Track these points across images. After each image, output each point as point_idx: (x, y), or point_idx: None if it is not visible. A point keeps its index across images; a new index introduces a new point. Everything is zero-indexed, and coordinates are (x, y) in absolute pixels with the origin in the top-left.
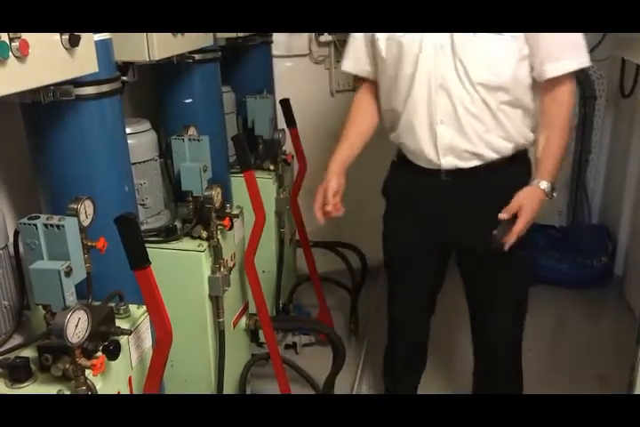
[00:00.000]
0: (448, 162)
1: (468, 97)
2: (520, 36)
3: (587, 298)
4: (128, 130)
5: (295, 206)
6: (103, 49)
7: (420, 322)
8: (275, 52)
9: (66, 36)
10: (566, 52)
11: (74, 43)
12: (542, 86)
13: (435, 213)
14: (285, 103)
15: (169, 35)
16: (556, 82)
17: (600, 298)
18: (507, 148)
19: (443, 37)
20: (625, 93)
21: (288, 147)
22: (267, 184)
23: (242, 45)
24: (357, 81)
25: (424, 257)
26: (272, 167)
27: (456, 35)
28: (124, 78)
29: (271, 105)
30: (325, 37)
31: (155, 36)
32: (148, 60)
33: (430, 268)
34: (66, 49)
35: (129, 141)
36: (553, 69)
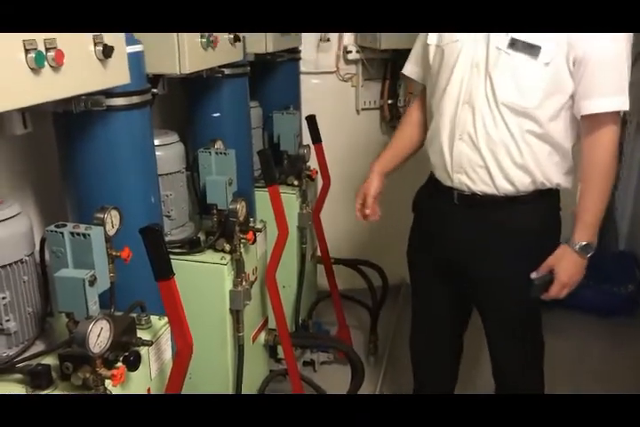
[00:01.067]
0: (459, 180)
1: (490, 116)
2: (559, 65)
3: (611, 326)
4: (156, 141)
5: (318, 222)
6: (135, 61)
7: (443, 366)
8: (302, 68)
9: (100, 47)
10: (607, 90)
11: (107, 54)
12: (582, 126)
13: (441, 237)
14: (311, 119)
15: (200, 48)
16: (595, 122)
17: (625, 327)
18: (522, 181)
19: (479, 54)
20: None
21: (313, 163)
22: (290, 199)
23: (270, 61)
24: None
25: (434, 284)
26: (296, 183)
27: (491, 53)
28: (155, 90)
29: (297, 121)
30: (353, 55)
31: (186, 49)
32: (178, 73)
33: (445, 298)
34: (99, 60)
35: (157, 153)
36: (589, 106)
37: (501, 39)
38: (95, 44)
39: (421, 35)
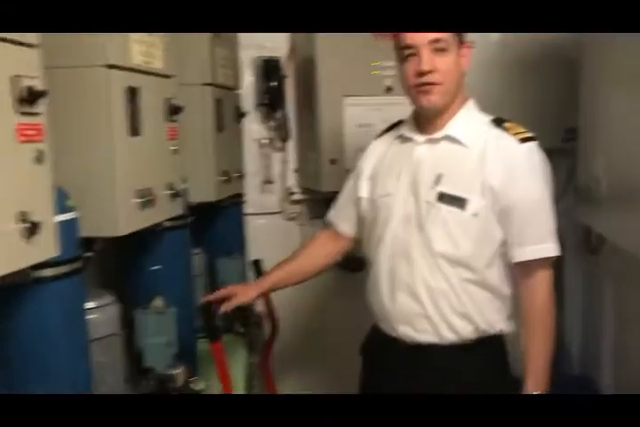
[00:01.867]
0: (404, 332)
1: (427, 268)
2: (486, 215)
3: None
4: (90, 304)
5: (267, 371)
6: (67, 229)
7: None
8: (247, 210)
9: (25, 225)
10: (537, 238)
11: (33, 231)
12: (517, 272)
13: (389, 387)
14: (257, 264)
15: (137, 209)
16: (528, 268)
17: None
18: (465, 329)
19: (410, 208)
20: (592, 251)
21: (261, 307)
22: (236, 349)
23: (214, 206)
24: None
25: None
26: (242, 330)
27: (421, 206)
28: (88, 254)
29: (242, 266)
30: (297, 196)
31: (122, 211)
32: (114, 235)
33: None
34: (24, 238)
35: (90, 316)
36: (522, 254)
37: (430, 193)
38: (21, 222)
39: (348, 185)
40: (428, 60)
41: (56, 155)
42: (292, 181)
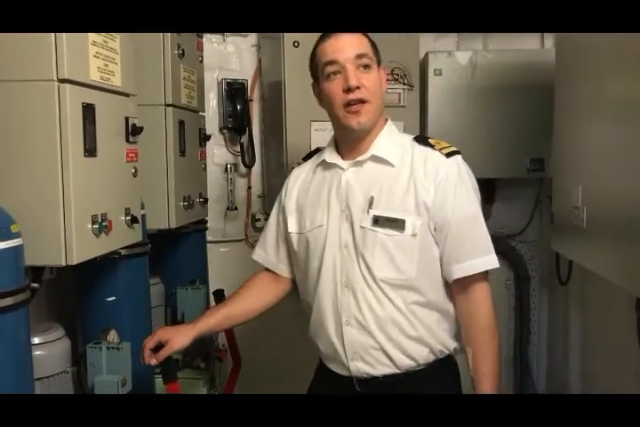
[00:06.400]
0: (357, 368)
1: (373, 296)
2: (424, 234)
3: None
4: (37, 340)
5: None
6: (10, 257)
7: None
8: (210, 237)
9: None
10: (475, 252)
11: None
12: (454, 289)
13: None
14: (219, 294)
15: (91, 235)
16: (466, 283)
17: None
18: (421, 354)
19: (346, 235)
20: (562, 281)
21: (222, 339)
22: (196, 385)
23: (174, 233)
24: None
25: None
26: (202, 365)
27: (357, 232)
28: (35, 285)
29: (204, 296)
30: (261, 223)
31: (74, 238)
32: (64, 264)
33: None
34: None
35: (37, 353)
36: (460, 270)
37: (364, 218)
38: None
39: (271, 221)
40: (354, 75)
41: (1, 174)
42: (256, 207)
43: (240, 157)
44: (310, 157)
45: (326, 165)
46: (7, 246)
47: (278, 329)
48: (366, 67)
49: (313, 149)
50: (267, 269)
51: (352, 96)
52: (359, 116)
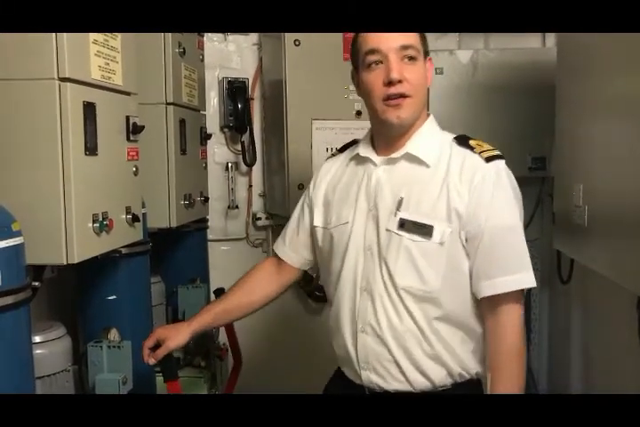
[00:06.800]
0: (369, 379)
1: (391, 306)
2: (454, 243)
3: None
4: (37, 338)
5: None
6: (11, 256)
7: None
8: (211, 236)
9: None
10: (510, 268)
11: None
12: (483, 307)
13: None
14: (220, 293)
15: (92, 234)
16: (497, 303)
17: None
18: (439, 375)
19: (370, 237)
20: (563, 280)
21: (223, 338)
22: (197, 384)
23: (175, 232)
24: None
25: None
26: (203, 364)
27: (382, 235)
28: (36, 284)
29: (205, 294)
30: (263, 222)
31: (75, 237)
32: (65, 263)
33: None
34: None
35: (38, 351)
36: (491, 287)
37: (391, 220)
38: None
39: (298, 212)
40: (398, 68)
41: (2, 172)
42: (257, 206)
43: (241, 156)
44: (346, 149)
45: (359, 160)
46: (8, 245)
47: (279, 328)
48: (411, 58)
49: (349, 141)
50: (271, 259)
51: (393, 90)
52: (399, 110)
